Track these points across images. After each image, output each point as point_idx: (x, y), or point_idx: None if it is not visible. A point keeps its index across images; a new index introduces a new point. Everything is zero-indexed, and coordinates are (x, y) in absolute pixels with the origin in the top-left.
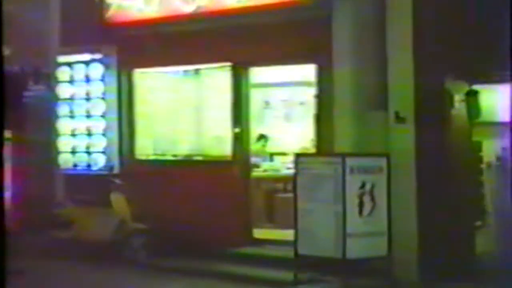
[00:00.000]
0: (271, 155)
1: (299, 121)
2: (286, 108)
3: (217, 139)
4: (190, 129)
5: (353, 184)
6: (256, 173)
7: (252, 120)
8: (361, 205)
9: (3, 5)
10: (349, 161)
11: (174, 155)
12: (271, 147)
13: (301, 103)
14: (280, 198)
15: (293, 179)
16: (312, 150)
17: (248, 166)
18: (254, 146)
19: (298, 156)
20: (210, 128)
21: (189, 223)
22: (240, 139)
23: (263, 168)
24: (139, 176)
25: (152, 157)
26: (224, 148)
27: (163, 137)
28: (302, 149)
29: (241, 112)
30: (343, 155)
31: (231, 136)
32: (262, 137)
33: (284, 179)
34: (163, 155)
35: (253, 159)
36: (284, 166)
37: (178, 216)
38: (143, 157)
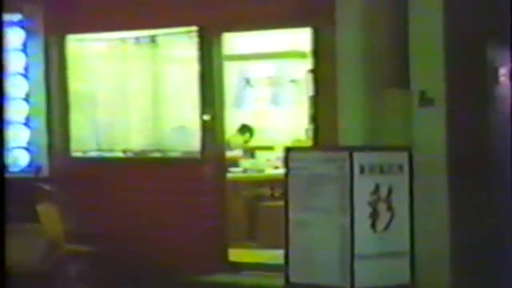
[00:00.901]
0: (252, 150)
1: (289, 105)
2: (272, 87)
3: (181, 130)
4: (144, 116)
5: (364, 188)
6: (233, 174)
7: (228, 104)
8: (374, 216)
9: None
10: (359, 158)
11: (124, 151)
12: (252, 140)
13: (293, 81)
14: (266, 207)
15: (283, 182)
16: (308, 142)
17: (223, 165)
18: (235, 139)
19: (289, 151)
20: (172, 115)
21: (144, 243)
22: (211, 130)
23: (243, 168)
24: (76, 180)
25: (93, 154)
26: (190, 141)
27: (108, 126)
28: (295, 141)
29: (212, 93)
30: (350, 150)
31: (200, 125)
32: (245, 129)
33: (270, 181)
34: (109, 151)
35: (231, 154)
36: (271, 164)
37: (129, 234)
38: (81, 154)
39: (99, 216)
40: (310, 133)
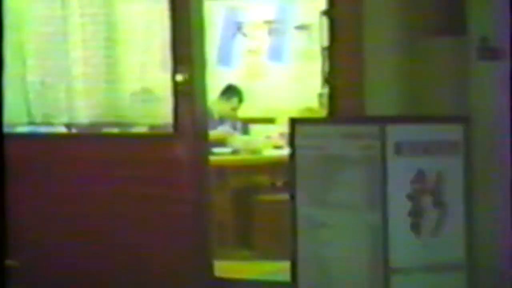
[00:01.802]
0: (245, 124)
1: (296, 60)
2: (272, 36)
3: (146, 95)
4: (94, 76)
5: (401, 175)
6: (219, 156)
7: (211, 60)
8: (417, 214)
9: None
10: (394, 133)
11: (68, 125)
12: (245, 109)
13: (300, 27)
14: (264, 202)
15: (288, 167)
16: (323, 112)
17: (204, 144)
18: (218, 106)
19: (296, 123)
20: (132, 74)
21: (97, 254)
22: (188, 96)
23: (232, 148)
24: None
25: (25, 129)
26: (158, 111)
27: (43, 91)
28: (304, 110)
29: (189, 44)
30: (382, 121)
31: (171, 89)
32: (232, 91)
33: (270, 167)
34: (47, 124)
35: (214, 130)
36: (270, 142)
37: (76, 241)
38: (9, 129)
39: (34, 216)
40: (325, 99)
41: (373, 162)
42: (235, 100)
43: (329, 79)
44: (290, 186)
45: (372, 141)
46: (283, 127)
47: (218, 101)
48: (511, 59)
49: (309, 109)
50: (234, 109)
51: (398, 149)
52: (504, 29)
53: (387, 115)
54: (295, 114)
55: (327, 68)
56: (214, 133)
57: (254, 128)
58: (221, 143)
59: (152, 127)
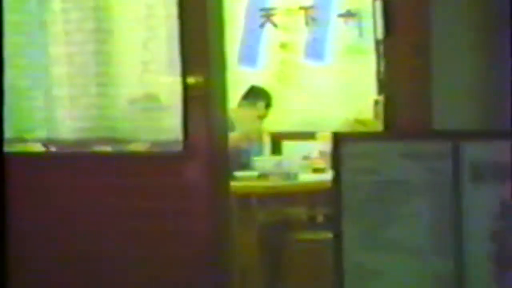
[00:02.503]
0: (275, 139)
1: (340, 58)
2: (309, 27)
3: (148, 103)
4: (81, 79)
5: (481, 207)
6: (242, 181)
7: (232, 58)
8: (503, 260)
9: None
10: (471, 152)
11: (46, 142)
12: (275, 121)
13: (346, 15)
14: (300, 242)
15: (331, 196)
16: (378, 125)
17: (223, 166)
18: (240, 114)
19: (340, 139)
20: (130, 75)
21: None
22: (202, 103)
23: (259, 170)
24: None
25: None
26: (164, 124)
27: (16, 99)
28: (354, 123)
29: (203, 38)
30: (456, 137)
31: (181, 95)
32: (256, 94)
33: (308, 195)
34: (19, 140)
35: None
36: (307, 164)
37: None
38: None
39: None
40: (381, 109)
41: (443, 190)
42: (261, 105)
43: (385, 82)
44: (334, 222)
45: (442, 162)
46: (325, 145)
47: (238, 108)
48: None
49: (360, 122)
50: (261, 117)
51: (476, 173)
52: None
53: (461, 129)
54: (341, 127)
55: (383, 68)
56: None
57: (287, 145)
58: (245, 164)
59: (156, 144)
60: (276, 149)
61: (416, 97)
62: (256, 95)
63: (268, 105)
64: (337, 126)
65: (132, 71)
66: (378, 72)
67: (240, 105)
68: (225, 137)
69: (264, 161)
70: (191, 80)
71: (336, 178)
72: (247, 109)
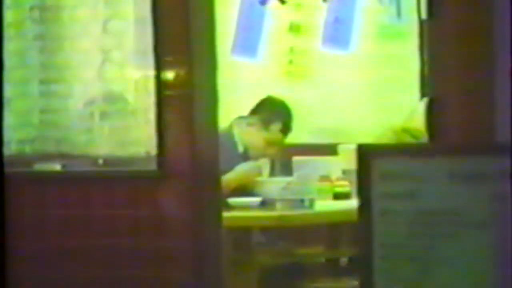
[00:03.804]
0: (284, 155)
1: (371, 46)
2: (329, 4)
3: (109, 105)
4: (19, 75)
5: None
6: (239, 211)
7: (224, 47)
8: None
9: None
10: None
11: None
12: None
13: None
14: None
15: (357, 229)
16: (422, 136)
17: (213, 191)
18: (246, 134)
19: (369, 154)
20: (85, 70)
21: None
22: (184, 107)
23: (262, 197)
24: None
25: None
26: (132, 133)
27: None
28: (387, 133)
29: (186, 19)
30: None
31: (155, 95)
32: (272, 110)
33: (325, 229)
34: None
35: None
36: (326, 187)
37: None
38: None
39: None
40: (424, 113)
41: (508, 223)
42: (276, 126)
43: (431, 76)
44: (362, 266)
45: (508, 185)
46: (349, 162)
47: (244, 125)
48: None
49: (395, 132)
50: (276, 143)
51: None
52: None
53: None
54: (373, 138)
55: (428, 58)
56: (231, 174)
57: (300, 162)
58: (243, 189)
59: (120, 161)
60: (285, 167)
61: (474, 98)
62: (270, 112)
63: (286, 128)
64: (366, 136)
65: (88, 62)
66: (422, 63)
67: (248, 121)
68: (215, 154)
69: (269, 183)
70: (168, 75)
71: (365, 207)
72: (257, 129)
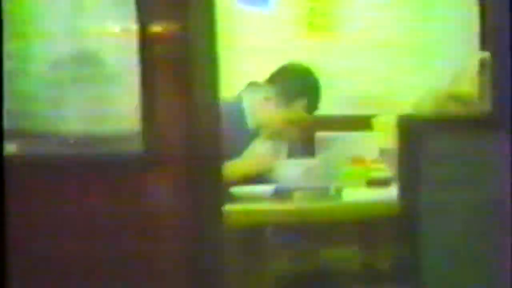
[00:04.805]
0: (306, 131)
1: None
2: None
3: (81, 65)
4: None
5: None
6: (246, 201)
7: None
8: None
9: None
10: None
11: None
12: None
13: None
14: None
15: (404, 227)
16: (484, 102)
17: (215, 178)
18: (262, 109)
19: (416, 127)
20: (51, 21)
21: None
22: (179, 66)
23: (277, 186)
24: None
25: None
26: (110, 103)
27: None
28: (440, 99)
29: None
30: None
31: (138, 52)
32: (295, 83)
33: (357, 225)
34: None
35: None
36: (358, 171)
37: None
38: None
39: None
40: (477, 72)
41: None
42: (300, 103)
43: (494, 23)
44: (408, 271)
45: None
46: (389, 139)
47: (258, 97)
48: None
49: (455, 97)
50: (298, 123)
51: None
52: None
53: None
54: (420, 106)
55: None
56: (240, 160)
57: (324, 139)
58: (255, 176)
59: (95, 140)
60: (305, 146)
61: None
62: (293, 83)
63: (312, 106)
64: (412, 104)
65: (54, 13)
66: (483, 6)
67: (264, 93)
68: (217, 133)
69: (285, 166)
70: (155, 28)
71: (410, 197)
72: (270, 105)
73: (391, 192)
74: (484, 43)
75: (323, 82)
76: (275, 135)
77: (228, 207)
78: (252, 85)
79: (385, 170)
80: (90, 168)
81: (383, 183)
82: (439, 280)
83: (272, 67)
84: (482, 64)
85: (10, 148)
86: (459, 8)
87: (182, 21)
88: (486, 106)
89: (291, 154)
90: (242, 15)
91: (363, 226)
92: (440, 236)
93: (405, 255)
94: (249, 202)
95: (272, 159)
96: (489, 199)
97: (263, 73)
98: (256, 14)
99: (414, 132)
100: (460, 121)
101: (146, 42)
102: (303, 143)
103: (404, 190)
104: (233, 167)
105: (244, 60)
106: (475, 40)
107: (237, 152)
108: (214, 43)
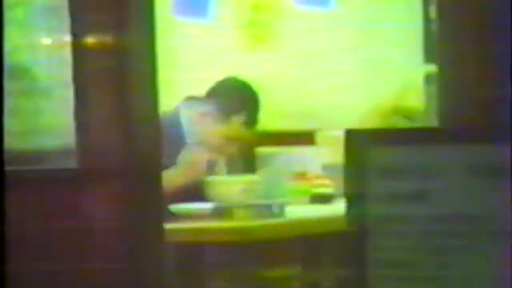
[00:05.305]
0: (249, 146)
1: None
2: None
3: (14, 78)
4: None
5: None
6: (183, 220)
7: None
8: None
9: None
10: None
11: None
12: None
13: None
14: None
15: (349, 244)
16: (430, 115)
17: (154, 193)
18: (199, 124)
19: (360, 141)
20: None
21: None
22: (115, 79)
23: (215, 202)
24: None
25: None
26: (40, 116)
27: None
28: (386, 113)
29: None
30: None
31: (72, 63)
32: (233, 97)
33: (300, 242)
34: None
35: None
36: (301, 187)
37: None
38: None
39: None
40: (423, 85)
41: None
42: (239, 118)
43: (442, 38)
44: None
45: None
46: (333, 153)
47: (195, 112)
48: None
49: (397, 111)
50: (237, 139)
51: None
52: None
53: None
54: (365, 121)
55: (435, 13)
56: (173, 169)
57: (266, 156)
58: (191, 192)
59: (27, 157)
60: (246, 162)
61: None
62: (231, 99)
63: (251, 121)
64: (356, 118)
65: None
66: (427, 19)
67: (201, 108)
68: (154, 144)
69: (225, 183)
70: (89, 40)
71: (356, 212)
72: (208, 121)
73: (336, 208)
74: (429, 56)
75: (262, 96)
76: (213, 151)
77: (167, 224)
78: (190, 99)
79: (329, 185)
80: (21, 185)
81: (327, 198)
82: None
83: (211, 80)
84: (428, 77)
85: None
86: (404, 21)
87: (119, 32)
88: (432, 120)
89: (231, 171)
90: (181, 26)
91: (307, 243)
92: (388, 253)
93: (351, 273)
94: (189, 221)
95: (203, 168)
96: (439, 214)
97: (201, 86)
98: (195, 25)
99: (361, 146)
100: (408, 134)
101: (80, 55)
102: (244, 159)
103: (351, 205)
104: (168, 177)
105: (182, 73)
106: (420, 54)
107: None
108: (152, 55)
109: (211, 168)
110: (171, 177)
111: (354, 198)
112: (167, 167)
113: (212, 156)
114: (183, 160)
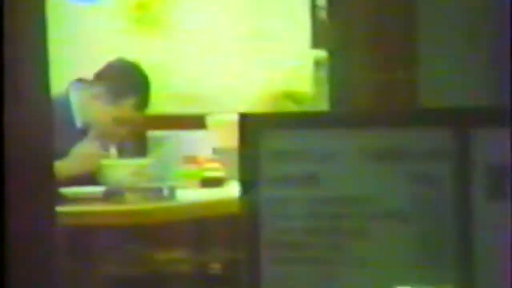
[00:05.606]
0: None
1: None
2: None
3: None
4: None
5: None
6: (74, 203)
7: None
8: None
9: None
10: (492, 145)
11: None
12: None
13: None
14: None
15: (239, 228)
16: (319, 100)
17: (47, 179)
18: (88, 107)
19: (251, 125)
20: None
21: None
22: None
23: (106, 186)
24: None
25: None
26: None
27: None
28: (274, 98)
29: None
30: (465, 116)
31: None
32: (123, 80)
33: (190, 226)
34: None
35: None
36: (192, 171)
37: None
38: None
39: None
40: (324, 73)
41: (439, 215)
42: (129, 101)
43: (332, 22)
44: (244, 272)
45: (438, 167)
46: (223, 137)
47: (84, 95)
48: None
49: (289, 95)
50: (127, 122)
51: (495, 185)
52: None
53: (474, 107)
54: (255, 105)
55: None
56: (66, 160)
57: (156, 139)
58: (82, 177)
59: None
60: (137, 145)
61: (395, 49)
62: (121, 81)
63: (141, 104)
64: (246, 103)
65: None
66: (314, 5)
67: (89, 92)
68: (45, 126)
69: (115, 167)
70: None
71: (248, 195)
72: (98, 104)
73: (226, 192)
74: (317, 42)
75: (153, 79)
76: (104, 134)
77: (59, 208)
78: (79, 81)
79: (219, 169)
80: None
81: (217, 182)
82: (279, 281)
83: (101, 63)
84: (317, 62)
85: None
86: (291, 6)
87: (9, 15)
88: (323, 104)
89: (121, 154)
90: (71, 9)
91: (197, 226)
92: (279, 235)
93: (242, 255)
94: (80, 204)
95: (99, 159)
96: (330, 196)
97: (91, 69)
98: (85, 8)
99: (255, 130)
100: (301, 118)
101: None
102: (134, 142)
103: (244, 189)
104: (59, 167)
105: (73, 55)
106: (308, 39)
107: (64, 151)
108: (43, 38)
109: (103, 158)
110: (63, 168)
111: (247, 182)
112: (57, 151)
113: (104, 145)
114: (77, 154)
